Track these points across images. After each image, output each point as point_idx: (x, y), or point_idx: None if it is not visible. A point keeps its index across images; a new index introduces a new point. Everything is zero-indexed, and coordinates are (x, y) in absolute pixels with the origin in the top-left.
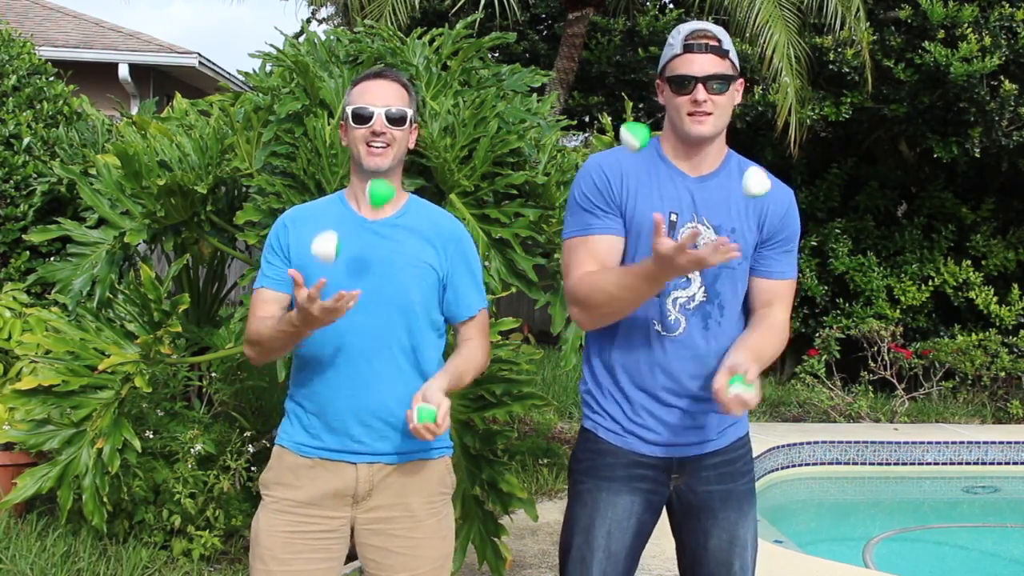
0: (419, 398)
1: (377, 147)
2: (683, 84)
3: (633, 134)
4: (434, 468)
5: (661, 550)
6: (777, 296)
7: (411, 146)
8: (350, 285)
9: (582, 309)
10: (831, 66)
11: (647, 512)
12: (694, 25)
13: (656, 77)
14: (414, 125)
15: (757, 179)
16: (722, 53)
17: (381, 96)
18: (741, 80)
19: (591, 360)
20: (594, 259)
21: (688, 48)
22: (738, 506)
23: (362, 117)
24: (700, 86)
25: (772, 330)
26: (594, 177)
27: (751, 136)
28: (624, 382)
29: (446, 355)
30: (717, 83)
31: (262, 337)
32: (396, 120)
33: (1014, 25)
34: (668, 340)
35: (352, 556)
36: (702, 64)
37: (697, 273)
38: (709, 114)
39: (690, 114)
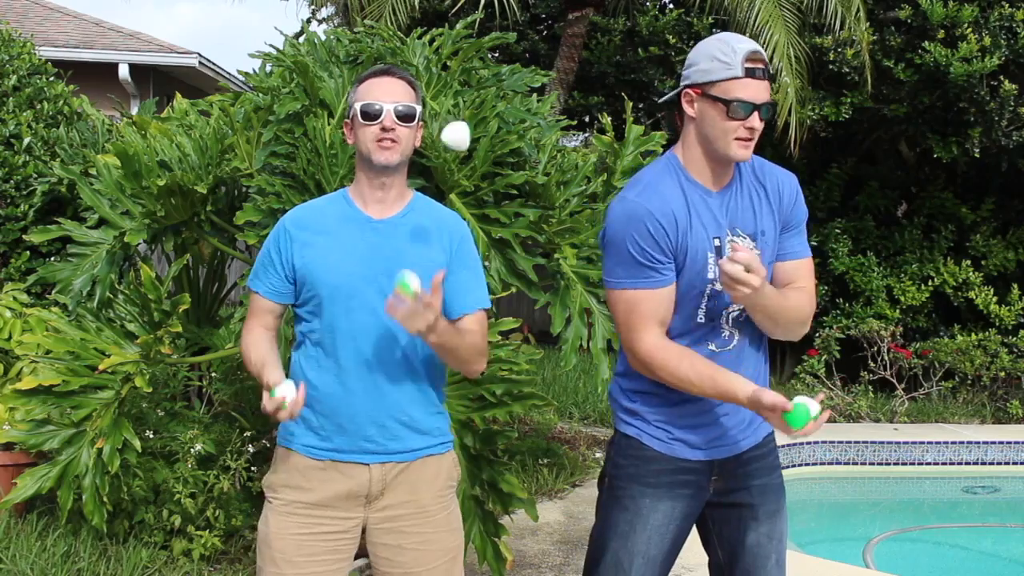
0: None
1: (386, 143)
2: (742, 110)
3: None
4: (443, 462)
5: None
6: (799, 274)
7: (417, 144)
8: (358, 285)
9: (650, 373)
10: (831, 66)
11: (687, 518)
12: (750, 45)
13: (693, 85)
14: (420, 123)
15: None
16: (771, 78)
17: (390, 93)
18: None
19: (634, 370)
20: (657, 319)
21: (750, 73)
22: (775, 499)
23: (370, 114)
24: (756, 113)
25: (801, 292)
26: (651, 228)
27: None
28: (673, 396)
29: None
30: (768, 110)
31: (244, 357)
32: (405, 117)
33: (1014, 25)
34: (721, 355)
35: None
36: (759, 91)
37: None
38: (753, 140)
39: (738, 138)
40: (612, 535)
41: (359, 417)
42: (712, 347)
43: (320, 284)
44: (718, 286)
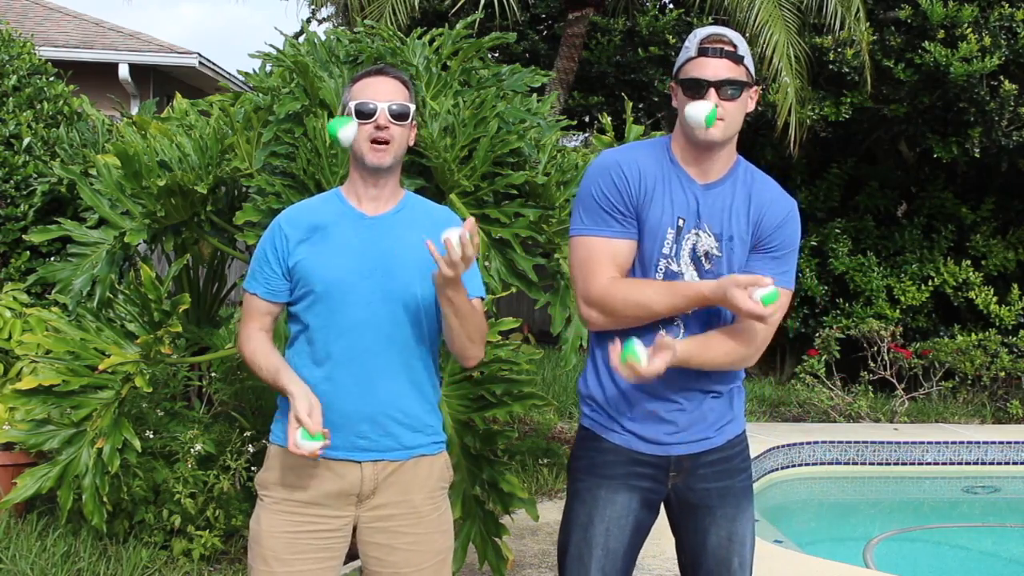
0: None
1: (380, 143)
2: (696, 88)
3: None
4: (435, 463)
5: (661, 550)
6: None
7: (411, 143)
8: (352, 281)
9: (607, 314)
10: (831, 66)
11: (645, 510)
12: (711, 29)
13: (671, 80)
14: (413, 123)
15: None
16: (737, 59)
17: (384, 92)
18: (756, 88)
19: (594, 359)
20: (615, 264)
21: (703, 52)
22: (736, 503)
23: (365, 113)
24: (712, 91)
25: (735, 335)
26: (614, 177)
27: (751, 136)
28: (625, 383)
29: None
30: (730, 88)
31: (252, 366)
32: (399, 116)
33: (1014, 25)
34: None
35: (352, 555)
36: (716, 68)
37: (697, 280)
38: (720, 119)
39: None
40: (573, 527)
41: (352, 414)
42: (662, 332)
43: (314, 280)
44: (674, 266)
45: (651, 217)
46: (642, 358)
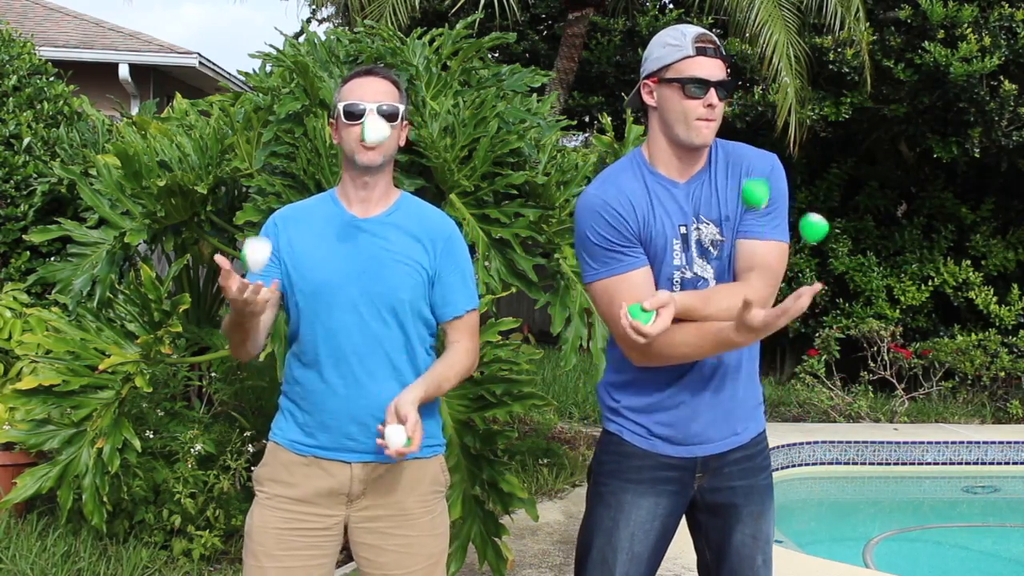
0: (392, 411)
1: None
2: (698, 88)
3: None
4: (428, 467)
5: None
6: (756, 259)
7: (402, 143)
8: (340, 283)
9: (648, 358)
10: (831, 66)
11: (671, 515)
12: (697, 29)
13: (648, 77)
14: (404, 122)
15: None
16: (727, 60)
17: (372, 92)
18: None
19: (615, 364)
20: (636, 299)
21: (701, 51)
22: (760, 500)
23: (354, 114)
24: (713, 90)
25: (738, 287)
26: (607, 216)
27: (751, 136)
28: (651, 387)
29: (438, 352)
30: (724, 89)
31: (223, 329)
32: (387, 116)
33: (1014, 25)
34: None
35: (352, 556)
36: (712, 68)
37: (710, 269)
38: (713, 120)
39: (698, 119)
40: (597, 531)
41: (341, 415)
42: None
43: (304, 281)
44: (688, 274)
45: (656, 237)
46: (648, 318)
